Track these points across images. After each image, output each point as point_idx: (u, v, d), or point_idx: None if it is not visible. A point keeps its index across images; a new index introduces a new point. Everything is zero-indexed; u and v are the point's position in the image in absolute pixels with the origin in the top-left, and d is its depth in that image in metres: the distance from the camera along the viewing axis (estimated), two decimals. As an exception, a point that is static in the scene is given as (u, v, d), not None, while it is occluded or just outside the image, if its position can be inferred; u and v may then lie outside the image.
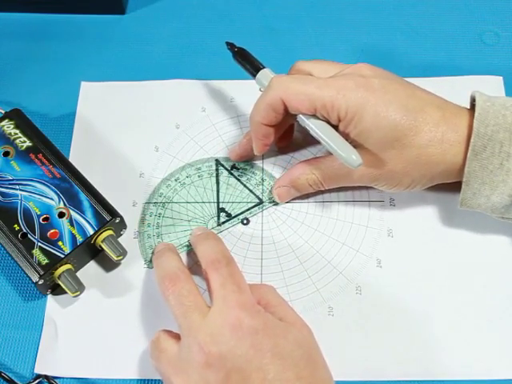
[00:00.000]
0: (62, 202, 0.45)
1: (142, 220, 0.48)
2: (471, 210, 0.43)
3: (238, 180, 0.49)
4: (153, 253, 0.46)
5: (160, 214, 0.48)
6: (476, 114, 0.40)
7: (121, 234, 0.47)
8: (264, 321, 0.37)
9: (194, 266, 0.45)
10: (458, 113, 0.42)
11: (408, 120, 0.41)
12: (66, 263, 0.43)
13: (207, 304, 0.38)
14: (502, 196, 0.41)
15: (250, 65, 0.48)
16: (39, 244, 0.43)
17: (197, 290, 0.39)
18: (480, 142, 0.40)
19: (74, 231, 0.44)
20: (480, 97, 0.41)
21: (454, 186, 0.43)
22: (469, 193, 0.42)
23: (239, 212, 0.48)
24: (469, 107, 0.43)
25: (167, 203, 0.48)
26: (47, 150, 0.47)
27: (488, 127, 0.40)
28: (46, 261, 0.43)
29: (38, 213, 0.44)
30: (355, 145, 0.42)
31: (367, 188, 0.48)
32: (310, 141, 0.50)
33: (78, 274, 0.44)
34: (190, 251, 0.46)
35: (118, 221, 0.45)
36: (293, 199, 0.48)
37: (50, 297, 0.45)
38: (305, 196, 0.48)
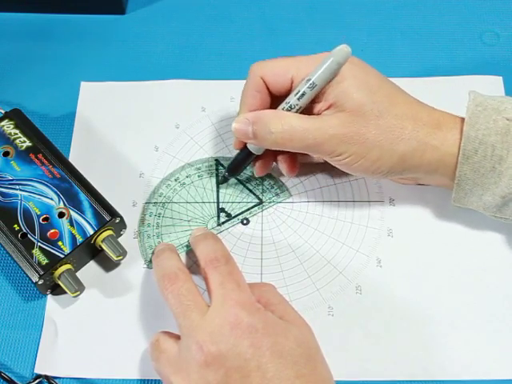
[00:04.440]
0: (61, 202, 0.45)
1: (142, 220, 0.48)
2: (464, 207, 0.43)
3: (238, 180, 0.49)
4: (153, 253, 0.46)
5: (160, 214, 0.48)
6: (466, 118, 0.40)
7: (121, 234, 0.47)
8: (263, 319, 0.37)
9: (194, 266, 0.45)
10: (448, 116, 0.42)
11: (385, 87, 0.41)
12: (65, 263, 0.43)
13: (206, 303, 0.38)
14: (493, 196, 0.41)
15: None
16: (39, 244, 0.43)
17: (196, 290, 0.39)
18: (470, 145, 0.40)
19: (74, 231, 0.44)
20: (472, 101, 0.41)
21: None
22: (461, 193, 0.42)
23: (239, 212, 0.48)
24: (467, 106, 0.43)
25: (167, 203, 0.48)
26: (47, 150, 0.47)
27: (479, 131, 0.40)
28: (46, 261, 0.43)
29: (38, 213, 0.44)
30: (334, 106, 0.41)
31: (367, 188, 0.48)
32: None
33: (78, 274, 0.44)
34: (190, 251, 0.46)
35: (117, 221, 0.45)
36: (292, 199, 0.48)
37: (49, 297, 0.45)
38: (305, 196, 0.48)
